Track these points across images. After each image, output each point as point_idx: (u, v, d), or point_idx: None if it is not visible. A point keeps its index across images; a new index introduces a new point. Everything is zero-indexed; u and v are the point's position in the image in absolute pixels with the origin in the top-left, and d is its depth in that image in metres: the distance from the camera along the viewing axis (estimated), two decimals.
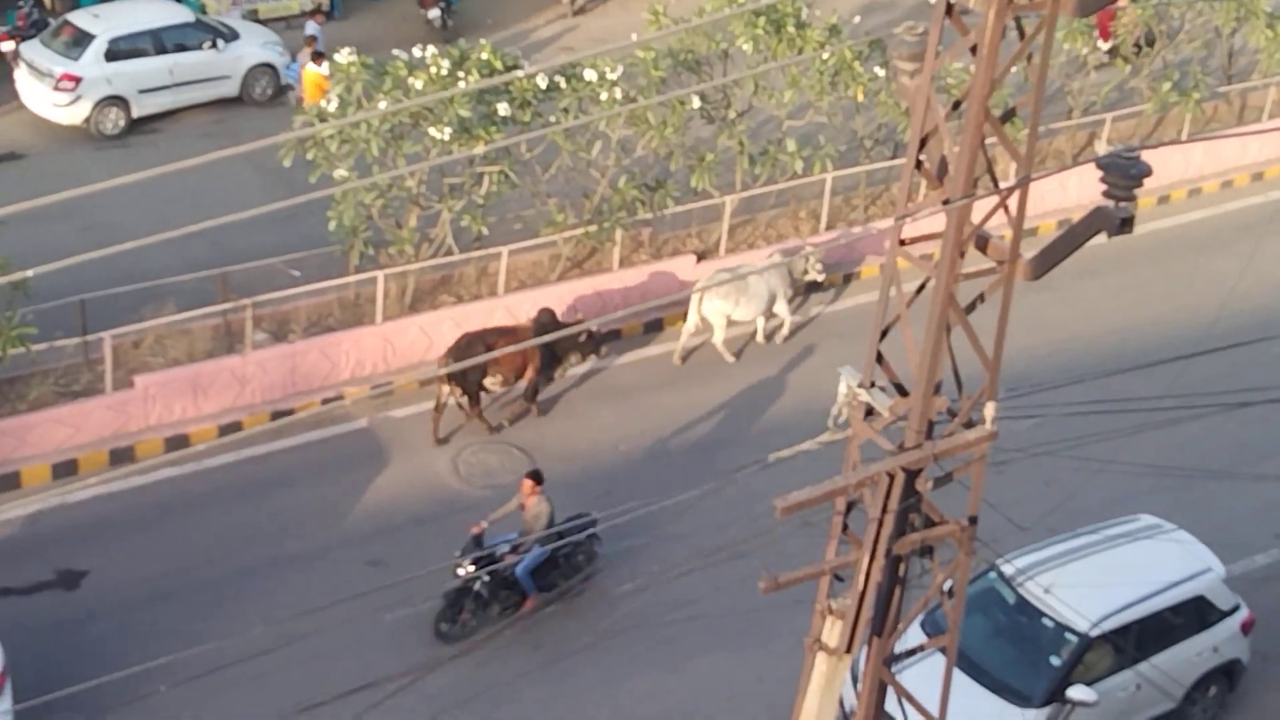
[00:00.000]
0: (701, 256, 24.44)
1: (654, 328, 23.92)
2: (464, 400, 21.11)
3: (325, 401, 21.36)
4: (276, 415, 21.01)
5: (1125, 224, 11.18)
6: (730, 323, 23.00)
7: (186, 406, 20.86)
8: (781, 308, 23.42)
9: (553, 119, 22.43)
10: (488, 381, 21.12)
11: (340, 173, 21.21)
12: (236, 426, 20.87)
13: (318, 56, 27.36)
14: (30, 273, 9.35)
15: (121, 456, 20.28)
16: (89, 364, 20.72)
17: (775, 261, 23.60)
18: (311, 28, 29.17)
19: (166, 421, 20.77)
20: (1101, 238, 11.52)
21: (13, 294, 18.95)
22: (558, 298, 23.08)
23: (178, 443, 20.52)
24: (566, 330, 19.46)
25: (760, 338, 23.66)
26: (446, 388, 20.98)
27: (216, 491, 20.08)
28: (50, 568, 18.71)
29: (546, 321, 21.24)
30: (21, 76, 27.37)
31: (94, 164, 26.13)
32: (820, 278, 24.36)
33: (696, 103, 23.35)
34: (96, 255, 9.20)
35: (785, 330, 23.75)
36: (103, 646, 17.46)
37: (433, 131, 21.24)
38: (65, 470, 19.98)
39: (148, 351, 21.13)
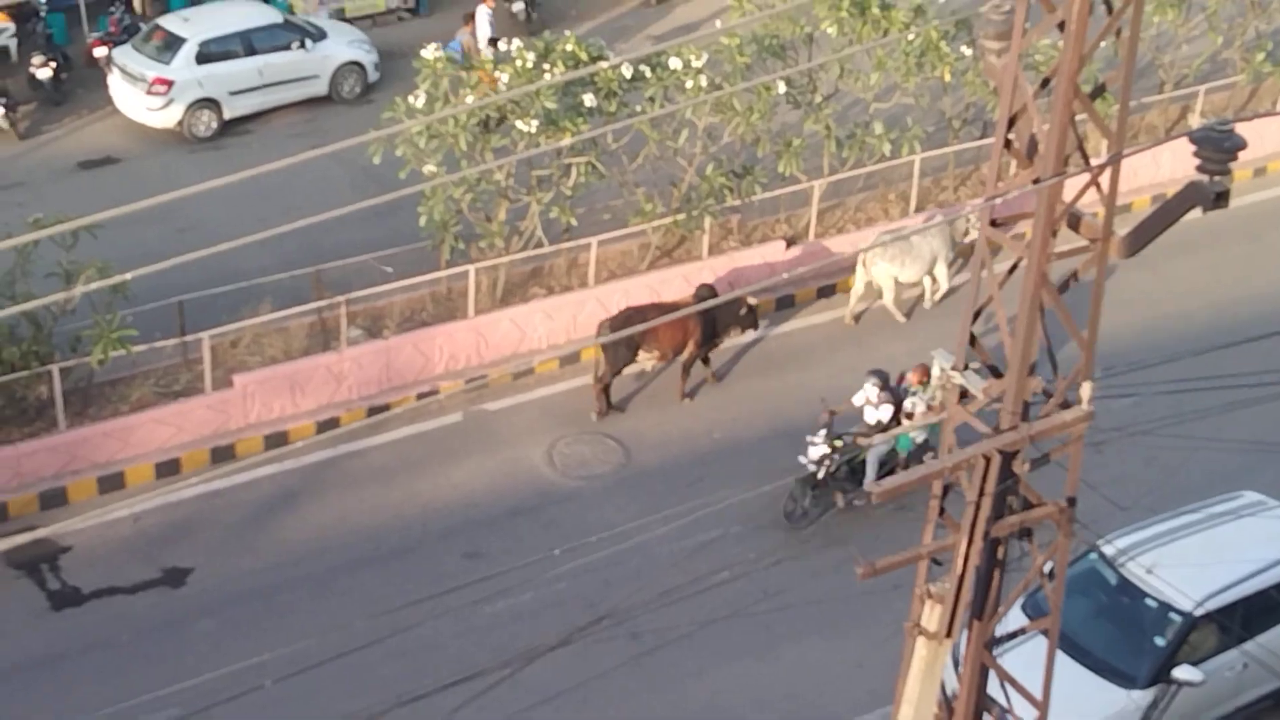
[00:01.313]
0: (791, 242, 24.37)
1: (786, 303, 23.82)
2: (605, 372, 21.34)
3: (420, 396, 21.52)
4: (373, 411, 21.19)
5: (1220, 198, 11.03)
6: (897, 284, 23.28)
7: (285, 404, 21.09)
8: (941, 269, 23.61)
9: (639, 109, 22.45)
10: (641, 355, 21.47)
11: (429, 168, 21.34)
12: (334, 423, 21.08)
13: (491, 43, 28.07)
14: (129, 275, 9.49)
15: (223, 455, 20.54)
16: (188, 364, 20.99)
17: (937, 221, 23.66)
18: (483, 12, 29.36)
19: (265, 419, 21.01)
20: (1196, 212, 11.37)
21: (112, 297, 19.23)
22: (648, 287, 23.11)
23: (277, 440, 20.76)
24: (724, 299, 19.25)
25: (927, 300, 23.86)
26: (602, 356, 21.34)
27: (315, 487, 20.29)
28: (155, 566, 19.00)
29: (706, 296, 21.23)
30: (115, 81, 27.74)
31: (188, 166, 26.46)
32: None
33: (782, 88, 23.27)
34: (193, 257, 9.30)
35: (941, 292, 23.73)
36: (207, 643, 17.71)
37: (520, 125, 21.32)
38: (168, 469, 20.28)
39: (245, 351, 21.38)
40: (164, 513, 19.61)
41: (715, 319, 21.62)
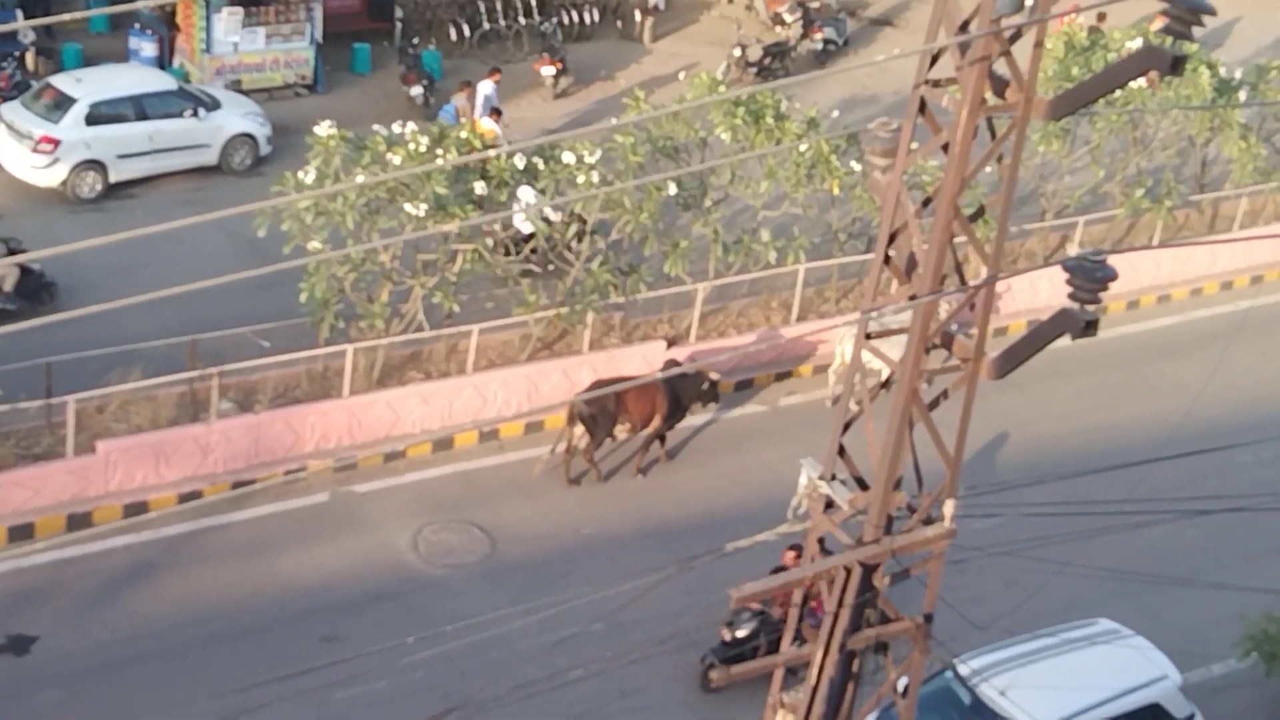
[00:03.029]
0: (672, 342, 24.47)
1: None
2: (587, 443, 21.83)
3: (288, 473, 21.25)
4: (238, 485, 20.88)
5: (1090, 327, 11.24)
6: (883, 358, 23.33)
7: (148, 473, 20.72)
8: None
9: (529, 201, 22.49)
10: (617, 429, 21.92)
11: (315, 244, 21.21)
12: (197, 495, 20.73)
13: (495, 113, 28.78)
14: None
15: (79, 521, 20.10)
16: (51, 427, 20.57)
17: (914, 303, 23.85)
18: (486, 86, 29.86)
19: (127, 488, 20.62)
20: (1068, 340, 11.57)
21: None
22: (526, 378, 23.09)
23: (137, 509, 20.35)
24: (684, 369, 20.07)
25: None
26: (578, 429, 21.76)
27: (173, 560, 19.91)
28: (1, 632, 18.49)
29: (674, 375, 21.84)
30: (0, 137, 27.36)
31: (69, 227, 26.06)
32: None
33: (673, 189, 23.46)
34: (64, 317, 9.14)
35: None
36: (50, 715, 17.26)
37: (408, 207, 21.29)
38: (21, 533, 19.80)
39: (112, 417, 21.00)
40: (13, 578, 19.12)
41: (680, 394, 22.28)
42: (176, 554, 19.99)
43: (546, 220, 23.04)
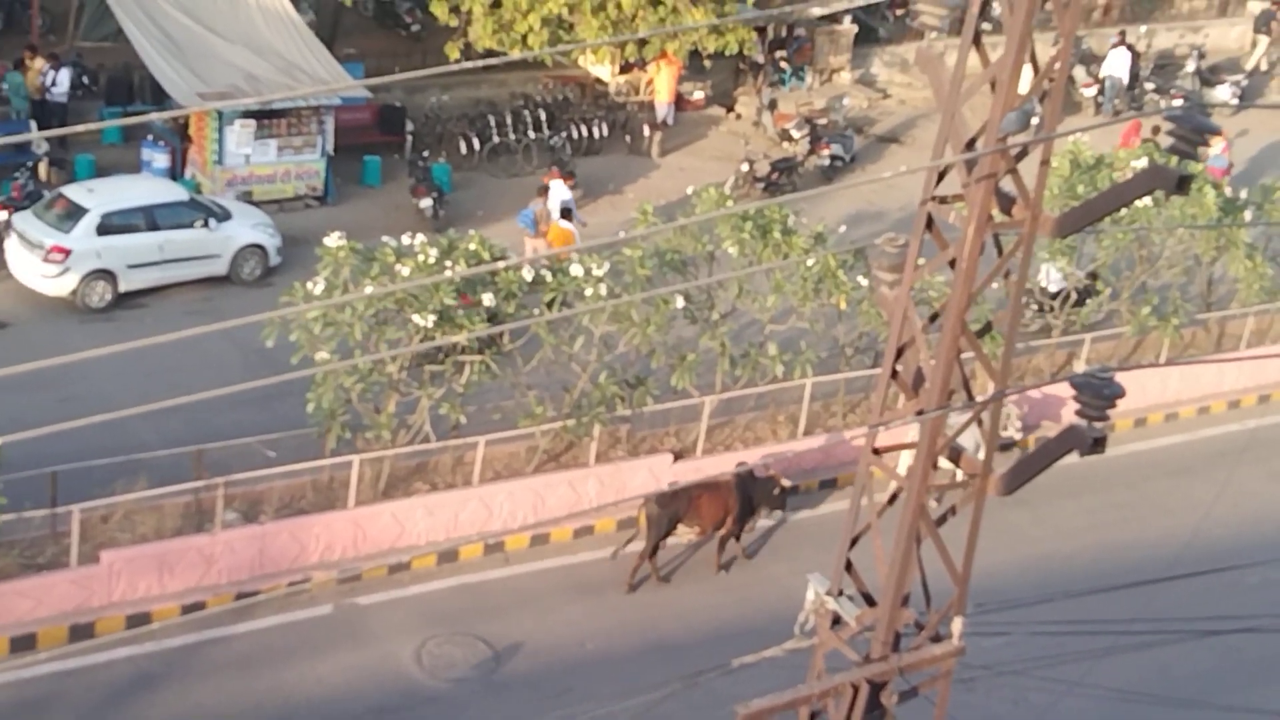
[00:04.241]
0: (679, 456, 24.43)
1: (627, 525, 23.81)
2: (646, 545, 22.16)
3: (291, 585, 21.14)
4: (241, 596, 20.76)
5: (1097, 444, 11.22)
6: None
7: (151, 584, 20.62)
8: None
9: (536, 312, 22.58)
10: (681, 529, 22.36)
11: (322, 355, 21.25)
12: (200, 606, 20.61)
13: (566, 214, 30.16)
14: (1, 440, 9.29)
15: (82, 632, 19.97)
16: (56, 536, 20.51)
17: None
18: (560, 188, 30.88)
19: (130, 599, 20.51)
20: (1075, 456, 11.54)
21: None
22: (532, 490, 23.04)
23: (139, 620, 20.23)
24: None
25: None
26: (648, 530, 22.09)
27: (175, 672, 19.76)
28: None
29: (745, 476, 22.49)
30: (12, 246, 27.54)
31: (78, 336, 26.16)
32: (1018, 436, 25.40)
33: (680, 302, 23.53)
34: (71, 425, 9.16)
35: None
36: None
37: (416, 318, 21.36)
38: (23, 644, 19.67)
39: (116, 526, 20.94)
40: (15, 689, 18.96)
41: (752, 497, 22.60)
42: (179, 666, 19.84)
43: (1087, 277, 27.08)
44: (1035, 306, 28.39)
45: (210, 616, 20.29)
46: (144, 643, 19.81)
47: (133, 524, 21.00)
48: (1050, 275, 28.65)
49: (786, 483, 23.20)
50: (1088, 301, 28.56)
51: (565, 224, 29.81)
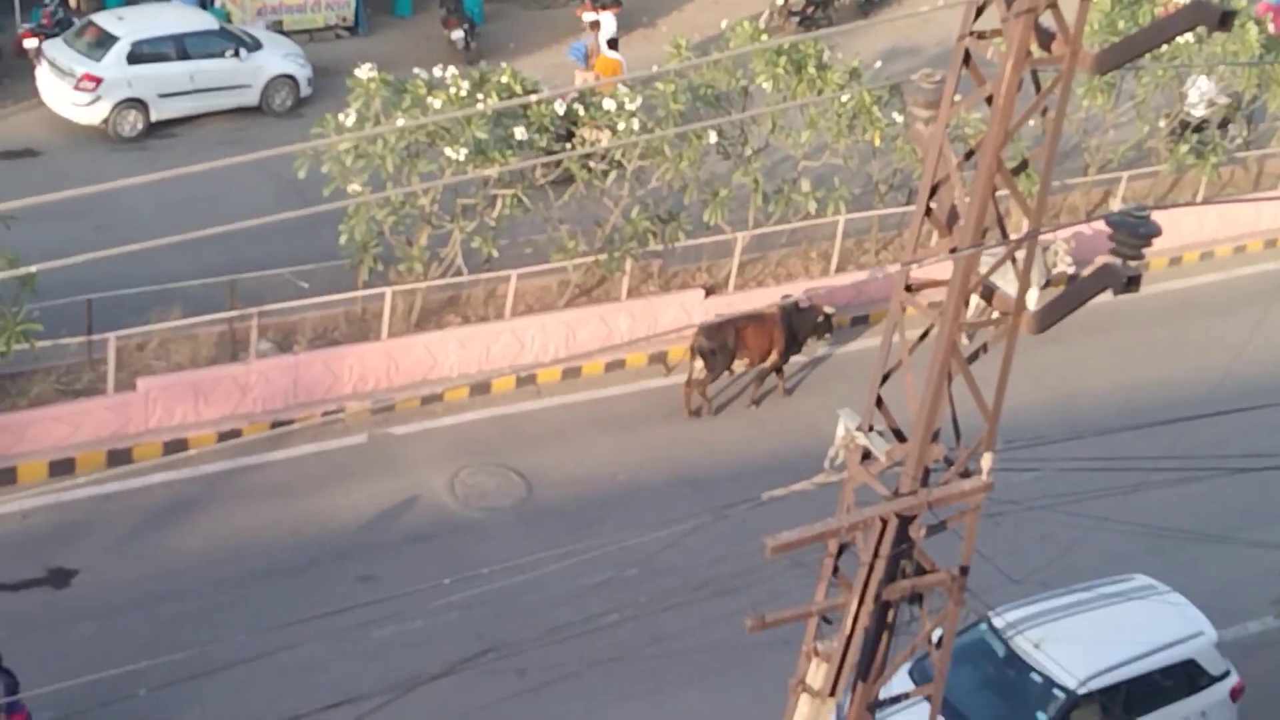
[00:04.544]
0: (710, 291, 24.44)
1: (658, 359, 23.88)
2: (704, 375, 22.51)
3: (325, 414, 21.35)
4: (276, 425, 21.00)
5: (1131, 283, 11.16)
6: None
7: (187, 411, 20.86)
8: (1032, 296, 23.80)
9: (569, 145, 22.45)
10: (735, 363, 22.60)
11: (354, 187, 21.23)
12: (236, 434, 20.87)
13: (612, 43, 30.13)
14: (34, 268, 9.35)
15: (119, 458, 20.25)
16: (92, 364, 20.71)
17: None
18: (610, 20, 30.90)
19: (166, 425, 20.77)
20: (1109, 294, 11.51)
21: (20, 289, 18.97)
22: (564, 324, 23.12)
23: (176, 447, 20.51)
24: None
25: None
26: (698, 362, 22.46)
27: (211, 498, 20.06)
28: (41, 565, 18.69)
29: (790, 309, 22.90)
30: (43, 74, 27.45)
31: (110, 165, 26.18)
32: (1071, 269, 25.35)
33: (713, 137, 23.37)
34: (105, 255, 9.17)
35: None
36: (87, 647, 17.43)
37: (448, 151, 21.27)
38: (62, 469, 19.97)
39: (152, 355, 21.13)
40: (54, 512, 19.31)
41: (797, 328, 22.89)
42: (215, 492, 20.14)
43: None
44: (1178, 130, 28.39)
45: (246, 444, 20.53)
46: (181, 469, 20.09)
47: (168, 352, 21.18)
48: (1198, 95, 28.51)
49: (829, 309, 23.36)
50: (1229, 128, 28.51)
51: (612, 54, 29.69)
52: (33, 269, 9.43)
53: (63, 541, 19.02)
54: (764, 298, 24.24)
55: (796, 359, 23.70)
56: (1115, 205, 27.82)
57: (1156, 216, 11.23)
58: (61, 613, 18.07)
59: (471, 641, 17.32)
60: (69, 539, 19.07)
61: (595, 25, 30.63)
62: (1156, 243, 11.38)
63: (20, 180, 25.14)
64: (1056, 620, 17.47)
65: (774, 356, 22.92)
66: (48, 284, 18.13)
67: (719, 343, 22.28)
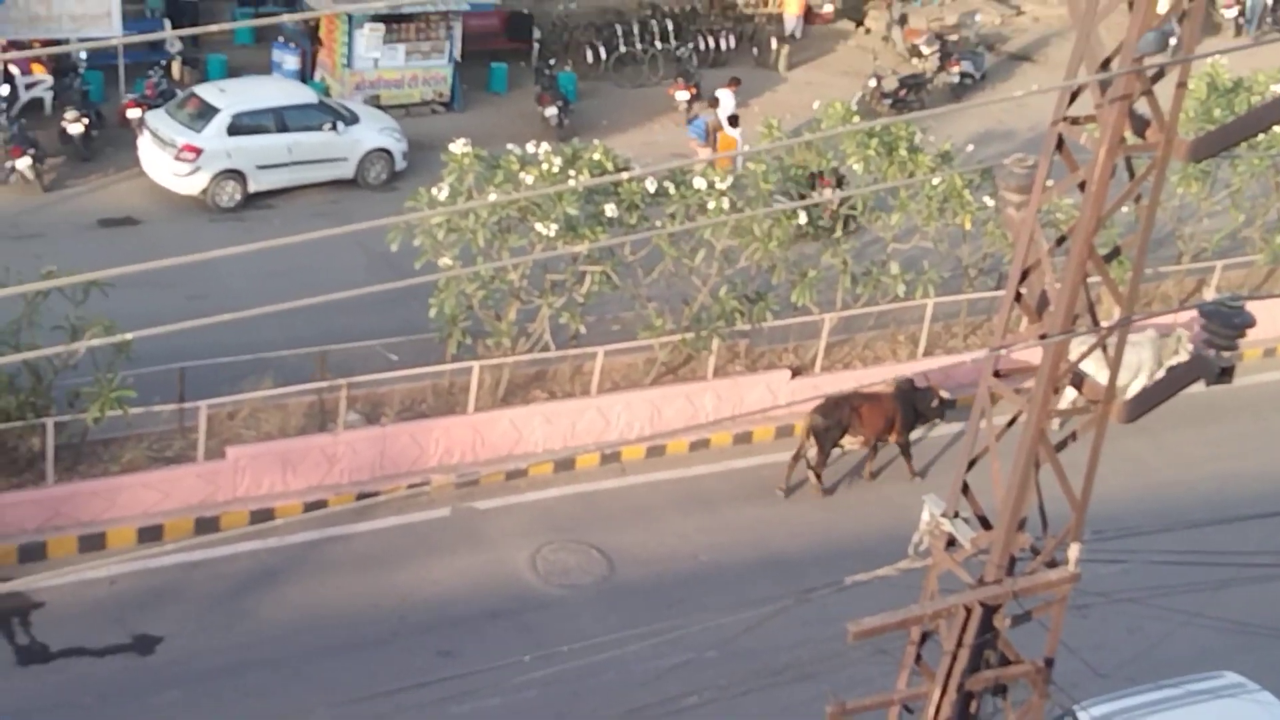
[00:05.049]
0: (796, 372, 24.39)
1: (743, 439, 23.86)
2: (815, 456, 22.52)
3: (411, 487, 21.44)
4: (362, 496, 21.11)
5: (1224, 373, 11.05)
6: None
7: (275, 481, 21.02)
8: (1140, 383, 24.03)
9: (659, 223, 22.57)
10: (846, 440, 22.59)
11: (445, 261, 21.42)
12: (322, 504, 21.00)
13: (733, 120, 30.88)
14: (130, 336, 9.46)
15: (207, 525, 20.43)
16: (183, 431, 20.94)
17: (1149, 337, 24.06)
18: (728, 97, 31.51)
19: (254, 494, 20.94)
20: (1201, 386, 11.38)
21: (115, 356, 19.25)
22: (649, 402, 23.14)
23: (263, 516, 20.68)
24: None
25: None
26: (810, 440, 22.44)
27: (296, 568, 20.17)
28: (126, 631, 18.83)
29: (906, 389, 22.85)
30: (144, 144, 27.96)
31: (207, 234, 26.59)
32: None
33: (803, 218, 23.39)
34: (199, 324, 9.27)
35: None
36: (171, 714, 17.52)
37: (539, 227, 21.43)
38: (151, 535, 20.16)
39: (242, 423, 21.34)
40: (141, 578, 19.48)
41: (916, 408, 22.84)
42: (300, 562, 20.24)
43: None
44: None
45: (331, 515, 20.66)
46: (267, 538, 20.23)
47: (258, 421, 21.38)
48: None
49: (945, 394, 23.26)
50: None
51: (732, 131, 30.04)
52: (128, 336, 9.53)
53: (149, 608, 19.17)
54: (851, 380, 24.15)
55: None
56: (1209, 294, 27.54)
57: (1251, 307, 11.11)
58: (146, 679, 18.18)
59: None
60: (155, 605, 19.22)
61: (714, 102, 31.07)
62: (1251, 334, 11.24)
63: (119, 248, 25.61)
64: (1144, 716, 17.13)
65: (894, 435, 22.90)
66: (142, 351, 18.39)
67: (834, 420, 22.27)
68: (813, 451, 22.53)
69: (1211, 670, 18.37)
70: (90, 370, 19.54)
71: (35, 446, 19.92)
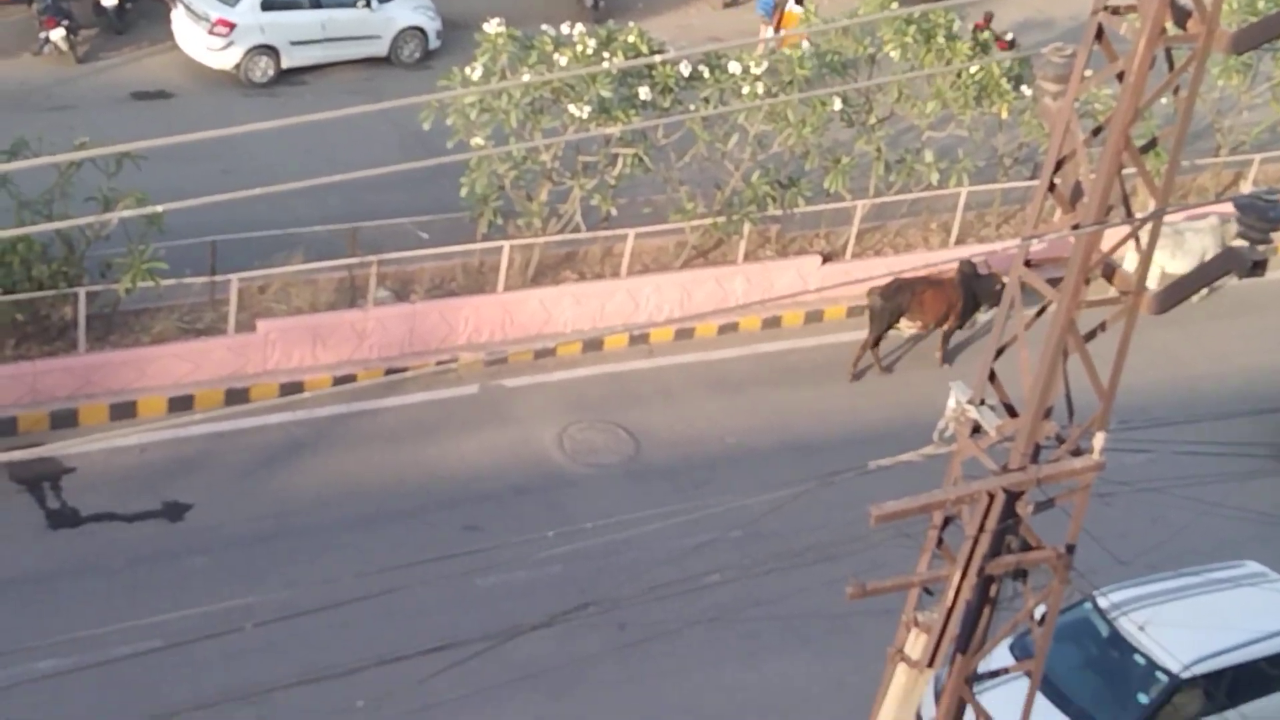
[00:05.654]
0: (827, 258, 24.36)
1: (771, 324, 23.89)
2: (868, 336, 22.64)
3: (439, 364, 21.56)
4: (390, 372, 21.25)
5: (1257, 267, 11.00)
6: (1164, 275, 23.37)
7: (304, 355, 21.16)
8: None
9: (692, 107, 22.45)
10: (903, 323, 22.68)
11: (477, 140, 21.37)
12: (351, 379, 21.13)
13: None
14: (160, 208, 9.51)
15: (237, 397, 20.60)
16: (214, 304, 21.06)
17: (1211, 224, 24.02)
18: None
19: (284, 367, 21.09)
20: (1234, 278, 11.35)
21: (147, 228, 19.31)
22: (679, 285, 23.15)
23: (292, 389, 20.83)
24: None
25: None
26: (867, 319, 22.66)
27: (324, 441, 20.36)
28: (156, 498, 19.07)
29: (969, 273, 22.74)
30: (178, 17, 27.84)
31: (240, 109, 26.53)
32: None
33: (838, 104, 23.25)
34: (232, 197, 9.33)
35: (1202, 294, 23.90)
36: (198, 580, 17.78)
37: (572, 109, 21.34)
38: (181, 405, 20.35)
39: (272, 297, 21.45)
40: (171, 447, 19.70)
41: (976, 294, 22.74)
42: (328, 435, 20.43)
43: None
44: None
45: (360, 389, 20.81)
46: (296, 410, 20.42)
47: (288, 296, 21.48)
48: None
49: (1007, 280, 23.08)
50: None
51: (798, 8, 29.54)
52: (160, 208, 9.57)
53: (179, 476, 19.40)
54: (881, 267, 24.11)
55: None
56: (1246, 188, 27.33)
57: None
58: (174, 545, 18.45)
59: (573, 595, 17.53)
60: (185, 474, 19.45)
61: None
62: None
63: (152, 121, 25.59)
64: (1163, 603, 17.29)
65: (951, 321, 22.87)
66: (174, 224, 18.46)
67: (894, 304, 22.29)
68: (871, 332, 22.60)
69: (1233, 560, 18.50)
70: (122, 241, 19.63)
71: (67, 315, 20.07)
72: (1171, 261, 23.68)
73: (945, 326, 23.00)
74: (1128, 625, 17.02)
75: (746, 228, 23.41)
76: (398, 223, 22.28)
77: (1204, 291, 22.28)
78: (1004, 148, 25.76)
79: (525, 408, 21.46)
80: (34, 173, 18.56)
